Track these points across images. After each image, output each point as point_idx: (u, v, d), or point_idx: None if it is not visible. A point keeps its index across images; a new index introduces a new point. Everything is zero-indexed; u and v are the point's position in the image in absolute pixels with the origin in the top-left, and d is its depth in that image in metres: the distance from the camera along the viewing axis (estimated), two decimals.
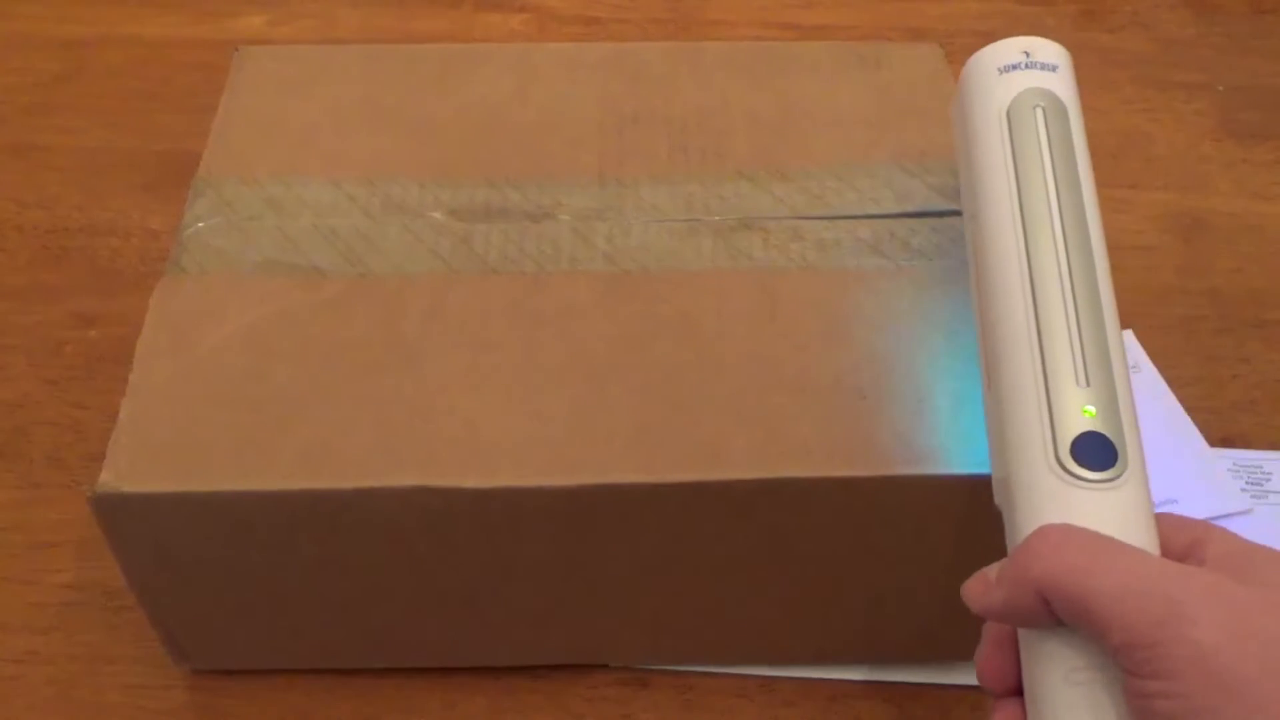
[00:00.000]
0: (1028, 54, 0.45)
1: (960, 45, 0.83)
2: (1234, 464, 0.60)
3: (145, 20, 0.85)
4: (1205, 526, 0.36)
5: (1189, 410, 0.62)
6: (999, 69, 0.45)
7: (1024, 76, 0.44)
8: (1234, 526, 0.57)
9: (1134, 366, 0.64)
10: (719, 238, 0.52)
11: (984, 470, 0.45)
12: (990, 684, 0.38)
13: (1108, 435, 0.37)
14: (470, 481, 0.44)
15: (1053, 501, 0.36)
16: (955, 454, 0.45)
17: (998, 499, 0.40)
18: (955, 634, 0.52)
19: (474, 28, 0.85)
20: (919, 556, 0.48)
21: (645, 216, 0.53)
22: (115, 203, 0.73)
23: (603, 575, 0.49)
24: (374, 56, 0.61)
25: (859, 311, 0.49)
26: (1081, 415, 0.37)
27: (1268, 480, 0.60)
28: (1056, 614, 0.34)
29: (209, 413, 0.46)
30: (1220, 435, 0.62)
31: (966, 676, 0.53)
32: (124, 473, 0.44)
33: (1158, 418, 0.62)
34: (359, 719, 0.52)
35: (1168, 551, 0.36)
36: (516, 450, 0.45)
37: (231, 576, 0.48)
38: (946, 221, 0.52)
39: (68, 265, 0.69)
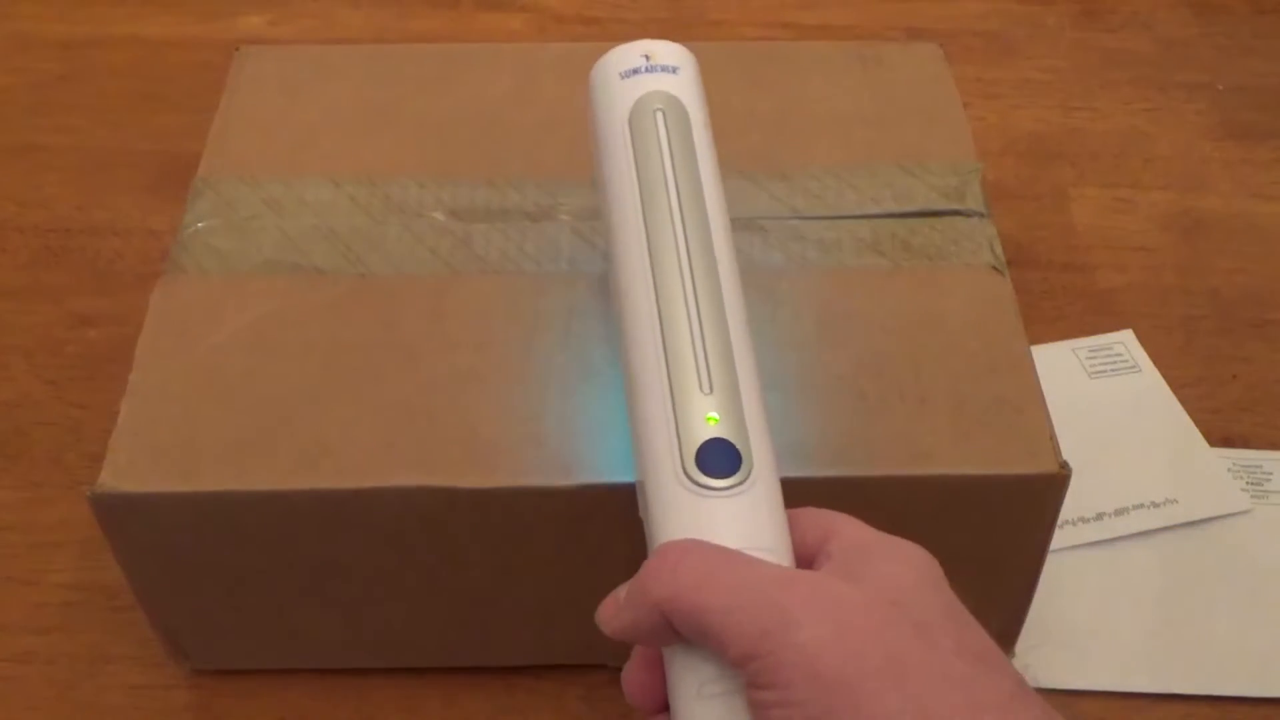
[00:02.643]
0: (648, 57, 0.44)
1: (960, 45, 0.83)
2: (1234, 464, 0.60)
3: (145, 20, 0.85)
4: (835, 519, 0.36)
5: (1189, 410, 0.62)
6: (620, 74, 0.44)
7: (644, 80, 0.43)
8: (1234, 526, 0.58)
9: (1134, 366, 0.64)
10: None
11: (992, 470, 0.45)
12: (637, 702, 0.38)
13: (732, 441, 0.37)
14: (470, 481, 0.44)
15: (681, 512, 0.36)
16: (955, 454, 0.45)
17: (640, 509, 0.39)
18: None
19: (474, 28, 0.85)
20: None
21: None
22: (115, 203, 0.73)
23: (603, 575, 0.48)
24: (374, 56, 0.61)
25: (859, 311, 0.49)
26: (705, 423, 0.37)
27: (1268, 480, 0.60)
28: (681, 632, 0.34)
29: (209, 413, 0.46)
30: (1220, 435, 0.62)
31: None
32: (124, 473, 0.44)
33: (1158, 418, 0.62)
34: (359, 719, 0.52)
35: (801, 548, 0.36)
36: (516, 450, 0.45)
37: (232, 576, 0.48)
38: (946, 221, 0.52)
39: (68, 265, 0.69)
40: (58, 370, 0.64)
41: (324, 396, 0.47)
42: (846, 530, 0.36)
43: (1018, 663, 0.53)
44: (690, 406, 0.37)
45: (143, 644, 0.53)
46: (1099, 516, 0.58)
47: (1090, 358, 0.65)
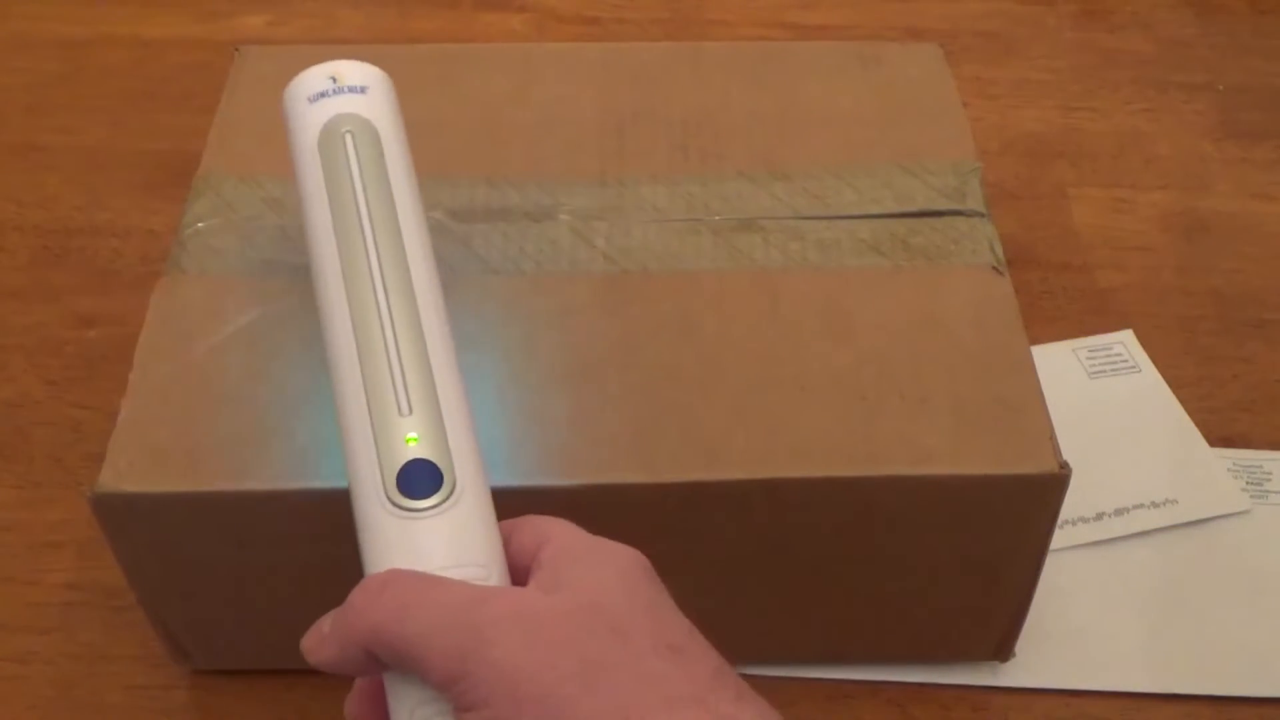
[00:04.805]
0: (334, 80, 0.44)
1: (960, 45, 0.83)
2: (1234, 464, 0.60)
3: (145, 20, 0.85)
4: (549, 526, 0.36)
5: (1189, 410, 0.62)
6: (308, 98, 0.44)
7: (332, 103, 0.43)
8: (1234, 526, 0.58)
9: (1134, 366, 0.64)
10: (719, 238, 0.52)
11: (992, 470, 0.45)
12: None
13: (433, 460, 0.37)
14: None
15: (387, 536, 0.36)
16: (955, 454, 0.45)
17: (357, 535, 0.40)
18: (955, 634, 0.52)
19: (474, 28, 0.85)
20: (919, 556, 0.48)
21: (645, 216, 0.53)
22: (115, 203, 0.73)
23: None
24: (374, 57, 0.61)
25: (859, 311, 0.49)
26: (405, 444, 0.37)
27: (1268, 480, 0.60)
28: (386, 663, 0.34)
29: (209, 413, 0.46)
30: (1220, 435, 0.62)
31: (966, 676, 0.53)
32: (124, 473, 0.44)
33: (1158, 418, 0.62)
34: None
35: (520, 558, 0.36)
36: (516, 450, 0.45)
37: (231, 576, 0.48)
38: (946, 221, 0.52)
39: (68, 265, 0.69)
40: (58, 370, 0.64)
41: (323, 397, 0.46)
42: (557, 537, 0.36)
43: (1018, 662, 0.53)
44: (389, 429, 0.37)
45: (143, 644, 0.53)
46: (1099, 516, 0.58)
47: (1090, 358, 0.65)
